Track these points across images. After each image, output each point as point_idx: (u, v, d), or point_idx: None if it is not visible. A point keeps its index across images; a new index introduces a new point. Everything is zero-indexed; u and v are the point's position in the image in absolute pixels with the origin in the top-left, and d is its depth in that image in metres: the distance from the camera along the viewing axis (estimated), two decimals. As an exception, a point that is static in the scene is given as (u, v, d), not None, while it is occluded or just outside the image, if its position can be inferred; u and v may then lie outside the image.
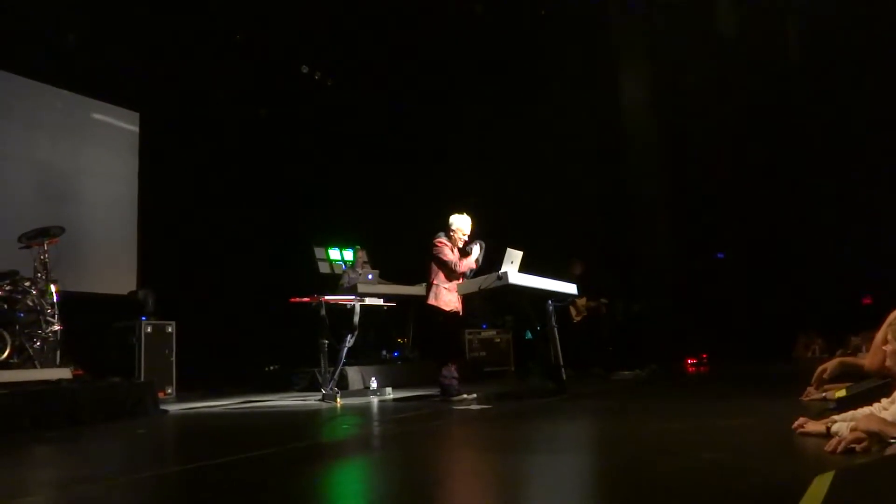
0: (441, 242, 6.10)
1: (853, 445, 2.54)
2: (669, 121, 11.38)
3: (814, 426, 2.95)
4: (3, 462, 3.66)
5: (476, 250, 6.20)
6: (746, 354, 10.38)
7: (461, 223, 6.21)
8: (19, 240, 5.91)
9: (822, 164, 10.49)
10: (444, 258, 6.05)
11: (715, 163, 11.32)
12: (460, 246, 6.22)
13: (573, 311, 8.95)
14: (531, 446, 3.65)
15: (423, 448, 3.75)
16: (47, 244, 5.87)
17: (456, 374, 6.07)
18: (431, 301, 6.08)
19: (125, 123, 9.08)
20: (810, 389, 4.12)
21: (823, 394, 3.89)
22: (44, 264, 5.81)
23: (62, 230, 6.07)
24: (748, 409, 4.69)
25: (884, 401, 2.77)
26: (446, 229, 6.22)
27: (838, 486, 2.15)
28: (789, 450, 2.91)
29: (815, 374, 3.75)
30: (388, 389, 7.03)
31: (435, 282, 6.11)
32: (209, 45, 9.37)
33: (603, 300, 9.21)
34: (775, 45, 10.15)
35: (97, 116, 8.78)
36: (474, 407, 5.44)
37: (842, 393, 3.59)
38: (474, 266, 6.16)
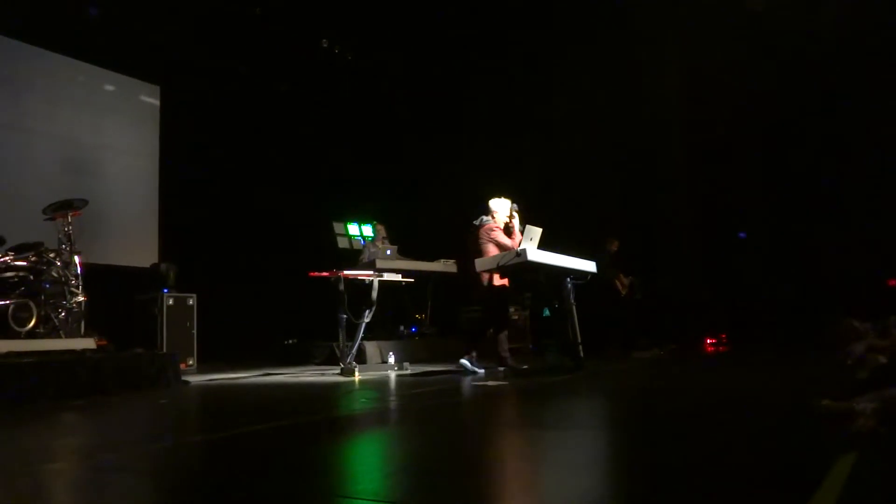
0: (496, 227, 6.34)
1: (878, 426, 2.50)
2: (695, 98, 11.17)
3: (839, 405, 2.91)
4: (30, 429, 3.74)
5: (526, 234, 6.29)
6: (767, 335, 10.27)
7: (502, 207, 6.47)
8: (44, 211, 5.99)
9: (844, 145, 10.25)
10: (502, 242, 6.29)
11: (739, 141, 11.11)
12: (501, 228, 6.40)
13: (619, 285, 8.97)
14: (545, 423, 3.65)
15: (440, 423, 3.76)
16: (71, 216, 5.93)
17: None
18: (497, 283, 6.35)
19: (146, 97, 9.10)
20: (835, 371, 4.07)
21: (849, 374, 3.84)
22: (68, 236, 5.88)
23: (85, 202, 6.13)
24: (768, 388, 4.65)
25: (910, 382, 2.73)
26: (489, 214, 6.41)
27: (862, 467, 2.13)
28: (812, 429, 2.88)
29: (841, 356, 3.70)
30: (406, 364, 7.08)
31: None
32: (230, 18, 9.32)
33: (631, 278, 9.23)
34: (805, 25, 9.87)
35: (119, 90, 8.82)
36: (490, 383, 5.46)
37: (865, 374, 3.54)
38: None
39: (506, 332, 6.58)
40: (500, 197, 6.59)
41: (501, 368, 6.33)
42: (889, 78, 9.56)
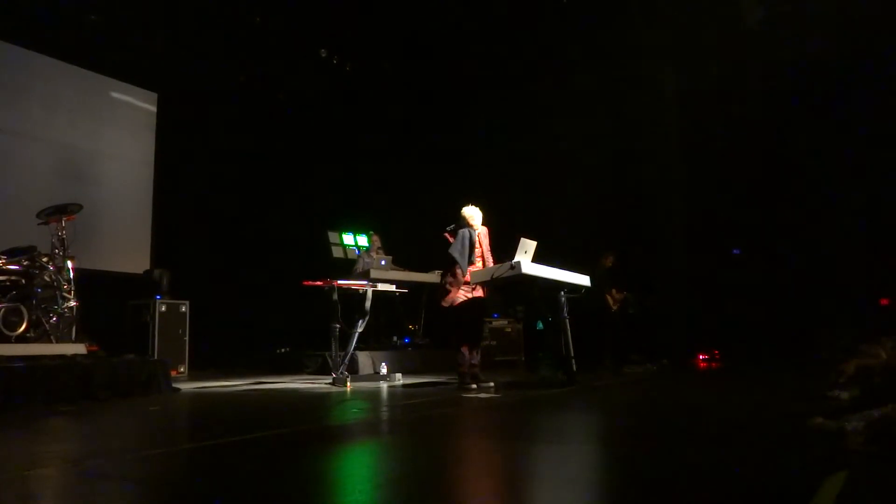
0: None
1: (869, 445, 2.51)
2: (688, 115, 11.25)
3: (830, 424, 2.92)
4: (18, 434, 3.71)
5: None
6: (761, 352, 10.28)
7: (468, 214, 6.15)
8: (38, 216, 5.97)
9: (840, 163, 10.32)
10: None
11: (733, 158, 11.18)
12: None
13: (610, 300, 8.93)
14: (536, 437, 3.65)
15: (431, 435, 3.75)
16: (65, 221, 5.92)
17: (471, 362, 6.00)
18: (463, 294, 6.05)
19: (143, 103, 9.11)
20: (825, 389, 4.08)
21: (839, 393, 3.85)
22: (61, 241, 5.86)
23: (80, 207, 6.12)
24: (760, 406, 4.66)
25: (900, 402, 2.74)
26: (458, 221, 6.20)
27: (851, 486, 2.13)
28: (802, 448, 2.88)
29: (832, 374, 3.71)
30: (398, 375, 7.06)
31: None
32: (228, 26, 9.36)
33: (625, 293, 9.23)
34: (801, 38, 9.96)
35: (116, 96, 8.82)
36: (483, 395, 5.44)
37: (856, 392, 3.56)
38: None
39: (469, 347, 6.00)
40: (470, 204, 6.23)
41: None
42: (885, 96, 9.64)
